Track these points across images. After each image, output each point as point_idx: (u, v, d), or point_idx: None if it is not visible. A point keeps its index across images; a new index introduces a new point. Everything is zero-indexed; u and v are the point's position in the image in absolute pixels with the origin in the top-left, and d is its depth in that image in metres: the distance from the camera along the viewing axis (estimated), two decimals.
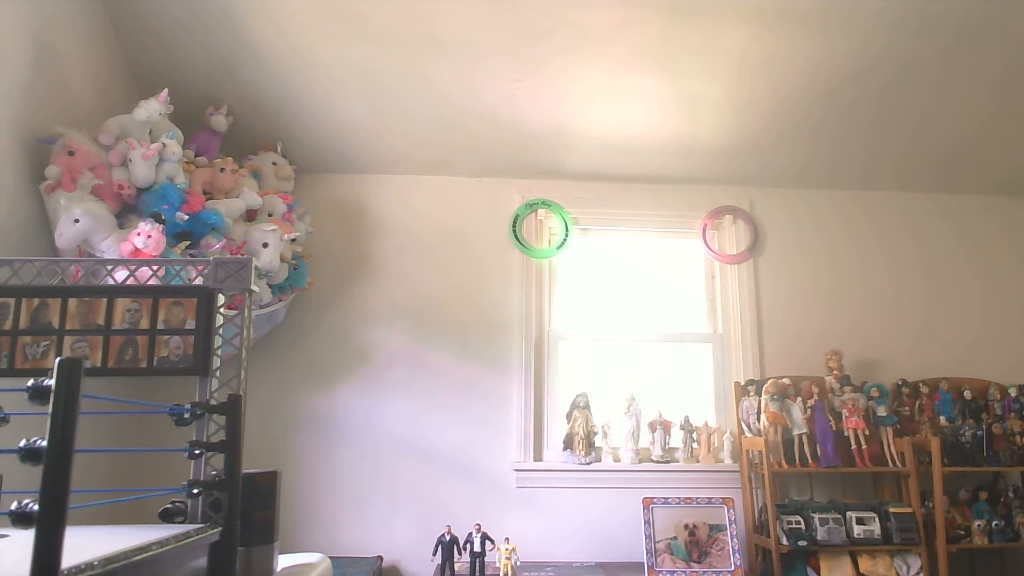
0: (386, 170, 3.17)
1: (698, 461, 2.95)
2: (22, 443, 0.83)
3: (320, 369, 2.97)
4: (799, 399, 2.87)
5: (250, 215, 2.59)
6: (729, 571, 2.61)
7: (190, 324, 1.32)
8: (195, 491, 1.22)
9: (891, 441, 2.83)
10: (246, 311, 1.35)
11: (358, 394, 2.96)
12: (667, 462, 2.93)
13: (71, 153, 2.07)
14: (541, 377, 3.06)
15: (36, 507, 0.74)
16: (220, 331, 1.35)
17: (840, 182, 3.27)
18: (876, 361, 3.12)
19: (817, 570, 2.59)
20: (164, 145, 2.15)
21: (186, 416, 1.25)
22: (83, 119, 2.24)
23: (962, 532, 2.72)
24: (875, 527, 2.62)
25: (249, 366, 1.34)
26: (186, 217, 2.19)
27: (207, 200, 2.35)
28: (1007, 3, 2.35)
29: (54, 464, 0.74)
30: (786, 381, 2.93)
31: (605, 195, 3.23)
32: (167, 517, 1.22)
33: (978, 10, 2.36)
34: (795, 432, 2.79)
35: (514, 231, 3.14)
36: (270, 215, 2.62)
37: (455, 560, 2.46)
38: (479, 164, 3.14)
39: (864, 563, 2.60)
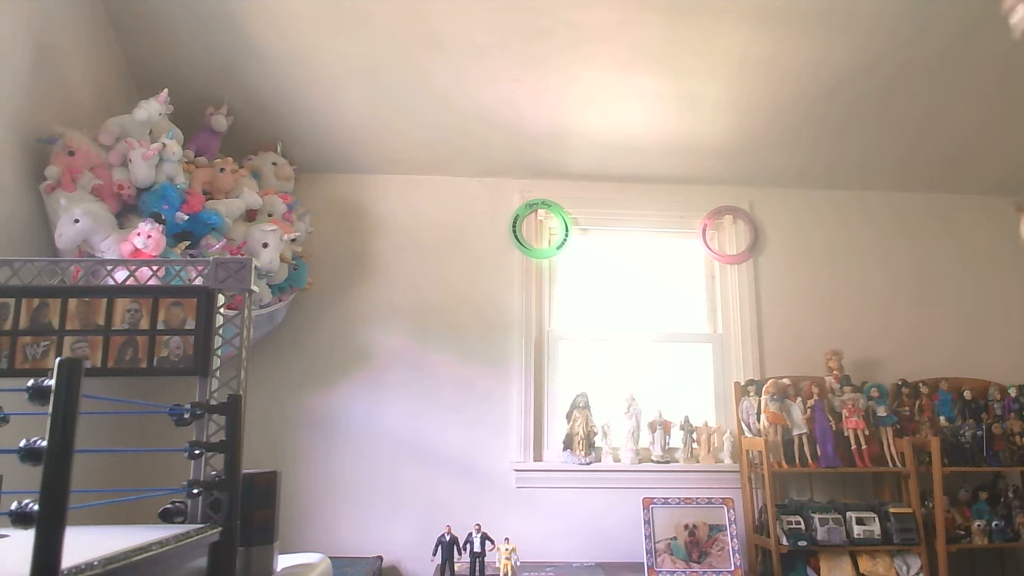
0: (386, 170, 3.17)
1: (698, 461, 2.95)
2: (22, 443, 0.83)
3: (320, 369, 2.97)
4: (799, 399, 2.87)
5: (250, 215, 2.58)
6: (729, 571, 2.61)
7: (190, 324, 1.32)
8: (195, 491, 1.22)
9: (891, 441, 2.83)
10: (246, 311, 1.35)
11: (358, 394, 2.96)
12: (667, 462, 2.93)
13: (71, 153, 2.07)
14: (541, 377, 3.06)
15: (36, 507, 0.74)
16: (220, 331, 1.35)
17: (840, 182, 3.27)
18: (876, 361, 3.12)
19: (817, 570, 2.59)
20: (164, 145, 2.15)
21: (186, 416, 1.25)
22: (83, 119, 2.24)
23: (962, 532, 2.72)
24: (875, 527, 2.62)
25: (249, 366, 1.34)
26: (186, 217, 2.19)
27: (207, 200, 2.35)
28: None
29: (54, 464, 0.74)
30: (786, 381, 2.93)
31: (605, 195, 3.23)
32: (167, 517, 1.22)
33: (976, 12, 2.36)
34: (795, 432, 2.79)
35: (514, 231, 3.14)
36: (270, 215, 2.61)
37: (455, 560, 2.46)
38: (479, 164, 3.14)
39: (864, 563, 2.60)
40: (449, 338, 3.03)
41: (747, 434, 2.89)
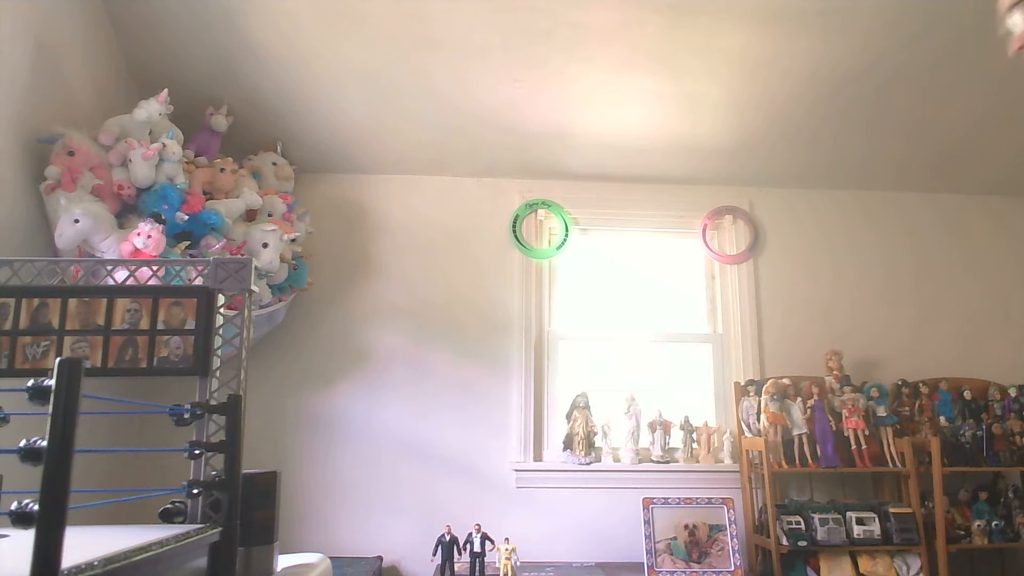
0: (386, 170, 3.17)
1: (698, 461, 2.95)
2: (22, 443, 0.83)
3: (320, 369, 2.97)
4: (799, 399, 2.87)
5: (250, 215, 2.59)
6: (729, 571, 2.61)
7: (190, 324, 1.32)
8: (195, 491, 1.22)
9: (891, 441, 2.83)
10: (246, 311, 1.35)
11: (358, 394, 2.96)
12: (667, 462, 2.93)
13: (71, 153, 2.07)
14: (541, 377, 3.06)
15: (36, 507, 0.74)
16: (220, 331, 1.35)
17: (840, 182, 3.28)
18: (876, 361, 3.12)
19: (817, 570, 2.59)
20: (164, 145, 2.15)
21: (186, 416, 1.25)
22: (83, 119, 2.24)
23: (962, 532, 2.72)
24: (875, 527, 2.62)
25: (249, 366, 1.34)
26: (186, 217, 2.19)
27: (207, 200, 2.35)
28: None
29: (54, 464, 0.74)
30: (786, 381, 2.92)
31: (605, 195, 3.23)
32: (167, 517, 1.22)
33: (975, 11, 2.36)
34: (795, 432, 2.79)
35: (514, 231, 3.14)
36: (270, 215, 2.62)
37: (455, 560, 2.46)
38: (479, 164, 3.14)
39: (864, 563, 2.60)
40: (449, 338, 3.03)
41: (747, 434, 2.89)
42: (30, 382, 0.82)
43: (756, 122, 2.88)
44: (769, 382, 2.87)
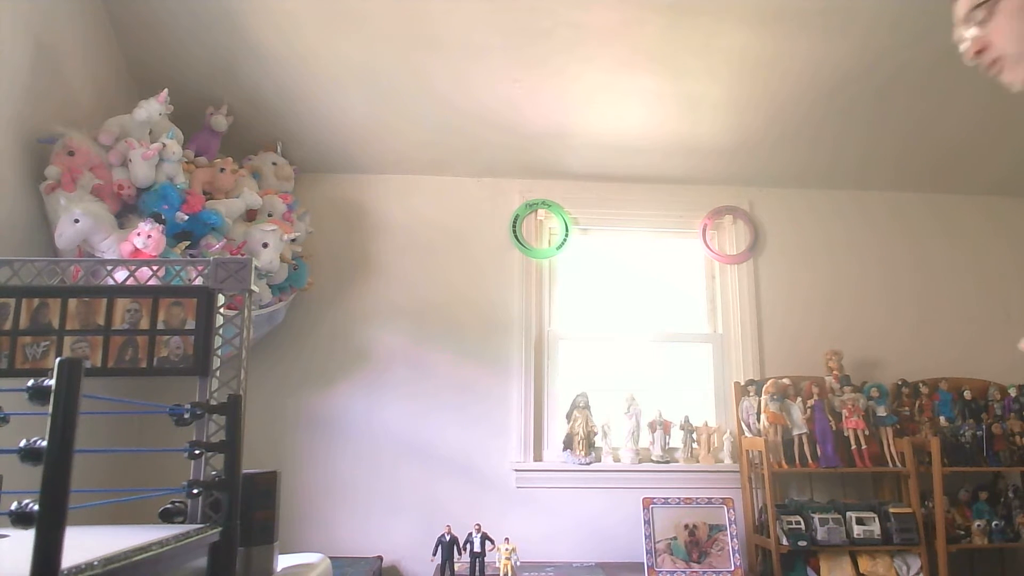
0: (386, 170, 3.17)
1: (698, 461, 2.95)
2: (22, 443, 0.83)
3: (320, 369, 2.97)
4: (799, 399, 2.87)
5: (250, 215, 2.59)
6: (729, 571, 2.61)
7: (190, 324, 1.32)
8: (195, 491, 1.22)
9: (891, 441, 2.83)
10: (246, 311, 1.35)
11: (358, 394, 2.96)
12: (667, 462, 2.93)
13: (71, 153, 2.07)
14: (541, 377, 3.06)
15: (36, 507, 0.74)
16: (220, 331, 1.34)
17: (840, 182, 3.28)
18: (876, 361, 3.12)
19: (817, 570, 2.59)
20: (164, 145, 2.15)
21: (186, 416, 1.25)
22: (83, 119, 2.24)
23: (962, 532, 2.72)
24: (875, 527, 2.62)
25: (249, 366, 1.34)
26: (186, 217, 2.19)
27: (207, 200, 2.35)
28: None
29: (54, 464, 0.74)
30: (786, 381, 2.92)
31: (605, 195, 3.23)
32: (167, 517, 1.22)
33: None
34: (795, 432, 2.79)
35: (514, 231, 3.14)
36: (270, 215, 2.62)
37: (455, 560, 2.46)
38: (479, 164, 3.14)
39: (864, 563, 2.60)
40: (449, 338, 3.03)
41: (747, 434, 2.89)
42: (30, 382, 0.82)
43: (756, 122, 2.88)
44: (769, 382, 2.87)
